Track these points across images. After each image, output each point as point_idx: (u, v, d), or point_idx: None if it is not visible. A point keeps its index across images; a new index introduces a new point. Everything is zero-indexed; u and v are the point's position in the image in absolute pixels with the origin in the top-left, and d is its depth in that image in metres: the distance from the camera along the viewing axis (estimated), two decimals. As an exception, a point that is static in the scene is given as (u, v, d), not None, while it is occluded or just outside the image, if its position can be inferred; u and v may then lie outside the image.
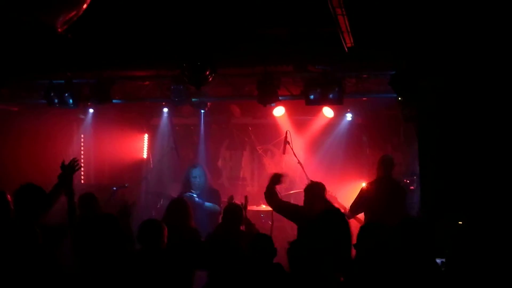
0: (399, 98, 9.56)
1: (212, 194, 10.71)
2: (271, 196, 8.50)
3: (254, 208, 11.44)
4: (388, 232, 6.08)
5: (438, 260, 6.77)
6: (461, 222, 8.57)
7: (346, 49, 7.91)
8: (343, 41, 7.60)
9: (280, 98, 10.16)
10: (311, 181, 8.99)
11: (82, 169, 13.60)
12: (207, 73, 9.00)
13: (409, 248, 5.59)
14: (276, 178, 8.58)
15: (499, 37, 7.99)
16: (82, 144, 13.84)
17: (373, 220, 9.01)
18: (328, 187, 10.71)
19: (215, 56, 9.00)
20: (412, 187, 11.43)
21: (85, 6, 5.23)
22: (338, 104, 10.13)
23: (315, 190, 8.36)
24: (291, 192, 11.25)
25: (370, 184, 10.21)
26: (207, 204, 10.30)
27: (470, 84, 8.61)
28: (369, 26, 7.89)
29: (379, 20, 7.85)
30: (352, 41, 7.72)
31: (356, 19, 7.14)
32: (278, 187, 10.57)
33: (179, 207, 8.11)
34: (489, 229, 7.84)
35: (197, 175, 10.62)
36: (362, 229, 6.27)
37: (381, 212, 9.47)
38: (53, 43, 8.26)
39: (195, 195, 10.23)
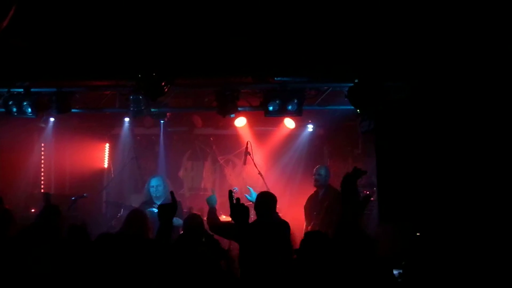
0: (358, 110, 9.66)
1: None
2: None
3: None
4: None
5: (396, 272, 6.86)
6: (418, 234, 8.68)
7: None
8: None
9: (239, 109, 10.17)
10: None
11: (42, 178, 13.50)
12: (163, 84, 8.96)
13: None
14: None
15: (452, 51, 8.14)
16: (42, 153, 13.62)
17: (312, 229, 9.17)
18: (289, 198, 10.88)
19: (172, 67, 8.97)
20: (372, 199, 11.49)
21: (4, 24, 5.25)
22: (297, 115, 10.19)
23: (267, 200, 8.01)
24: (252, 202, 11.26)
25: (310, 195, 10.44)
26: None
27: (426, 96, 8.76)
28: (327, 39, 7.98)
29: (337, 33, 7.95)
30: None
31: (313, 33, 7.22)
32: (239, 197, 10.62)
33: (137, 218, 8.03)
34: (446, 240, 7.95)
35: (155, 184, 10.49)
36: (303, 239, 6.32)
37: (319, 221, 9.68)
38: (12, 52, 8.23)
39: (155, 210, 10.14)
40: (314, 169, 10.59)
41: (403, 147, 8.86)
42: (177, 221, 9.99)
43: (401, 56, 8.47)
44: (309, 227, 10.10)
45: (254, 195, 9.12)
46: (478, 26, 7.58)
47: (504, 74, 7.91)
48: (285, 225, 7.52)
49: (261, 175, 11.03)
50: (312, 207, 10.37)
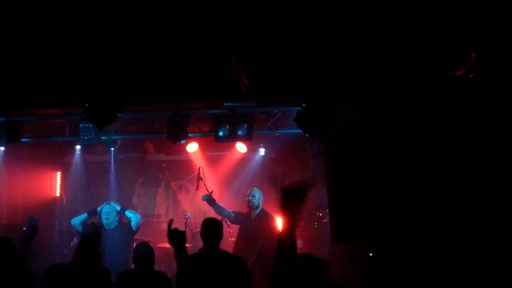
0: (307, 134, 9.79)
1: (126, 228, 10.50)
2: None
3: (168, 245, 11.35)
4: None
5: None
6: (371, 254, 8.78)
7: (244, 89, 8.04)
8: (239, 82, 7.73)
9: (189, 135, 10.24)
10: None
11: (-5, 208, 13.34)
12: (111, 112, 8.95)
13: None
14: None
15: (402, 74, 8.30)
16: (-6, 183, 13.49)
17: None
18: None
19: (119, 95, 8.97)
20: (325, 220, 11.61)
21: None
22: (247, 140, 10.28)
23: (208, 228, 7.42)
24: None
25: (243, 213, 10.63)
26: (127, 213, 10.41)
27: (375, 119, 8.90)
28: (274, 63, 8.06)
29: (284, 57, 8.03)
30: (247, 81, 7.87)
31: (253, 58, 7.29)
32: (191, 224, 10.67)
33: (88, 246, 7.92)
34: (399, 260, 8.04)
35: (107, 211, 10.35)
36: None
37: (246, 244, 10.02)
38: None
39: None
40: (248, 191, 10.65)
41: (353, 169, 8.95)
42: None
43: (349, 80, 8.59)
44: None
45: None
46: (427, 47, 7.72)
47: (452, 97, 8.09)
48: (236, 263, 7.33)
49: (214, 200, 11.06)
50: (243, 225, 10.51)
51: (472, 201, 7.19)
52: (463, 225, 7.66)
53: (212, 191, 10.77)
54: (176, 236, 4.92)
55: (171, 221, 4.82)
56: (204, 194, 11.02)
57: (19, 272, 6.95)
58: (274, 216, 10.39)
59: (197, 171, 11.11)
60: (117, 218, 10.43)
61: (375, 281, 7.85)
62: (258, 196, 10.47)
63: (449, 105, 8.00)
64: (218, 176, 12.91)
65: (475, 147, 7.20)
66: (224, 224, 10.96)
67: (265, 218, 10.26)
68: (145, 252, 7.53)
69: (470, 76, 7.37)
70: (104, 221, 10.23)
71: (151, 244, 7.90)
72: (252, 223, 10.38)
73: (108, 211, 10.34)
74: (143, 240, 9.49)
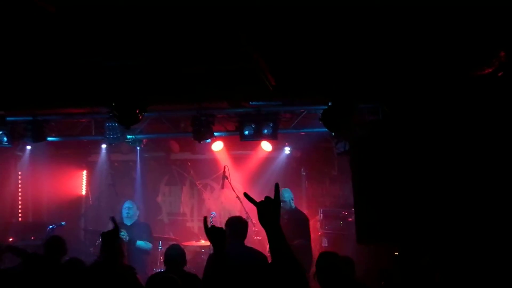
0: (333, 133, 9.76)
1: (142, 228, 11.02)
2: None
3: (194, 243, 11.41)
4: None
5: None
6: (397, 253, 8.73)
7: (271, 88, 8.03)
8: (266, 81, 7.71)
9: (215, 134, 10.22)
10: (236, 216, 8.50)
11: (20, 206, 13.40)
12: (136, 112, 8.97)
13: None
14: None
15: (427, 73, 8.24)
16: (19, 181, 13.53)
17: None
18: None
19: (144, 95, 8.99)
20: (350, 219, 11.55)
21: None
22: (273, 139, 10.24)
23: (234, 227, 7.43)
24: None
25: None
26: (139, 242, 10.49)
27: (400, 117, 8.85)
28: (295, 64, 8.04)
29: (310, 56, 8.00)
30: (274, 80, 7.85)
31: (279, 58, 7.27)
32: (216, 222, 10.65)
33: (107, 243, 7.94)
34: (423, 258, 8.00)
35: (127, 206, 11.13)
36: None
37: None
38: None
39: (124, 235, 10.21)
40: None
41: (378, 168, 8.92)
42: (146, 244, 10.24)
43: (375, 78, 8.54)
44: None
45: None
46: (454, 44, 7.65)
47: (474, 97, 8.03)
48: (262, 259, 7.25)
49: (239, 199, 10.99)
50: None
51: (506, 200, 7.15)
52: (494, 223, 7.62)
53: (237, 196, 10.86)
54: (215, 233, 4.89)
55: (205, 219, 4.76)
56: (230, 193, 11.12)
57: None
58: (308, 218, 10.35)
59: (223, 170, 11.12)
60: (137, 214, 11.04)
61: (400, 281, 7.78)
62: (287, 198, 10.31)
63: (477, 104, 7.94)
64: (243, 175, 12.86)
65: (505, 145, 7.15)
66: (249, 222, 11.01)
67: (297, 222, 10.10)
68: (176, 254, 7.61)
69: (499, 75, 7.30)
70: (125, 215, 10.95)
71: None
72: (285, 225, 10.24)
73: (129, 206, 11.07)
74: (172, 240, 9.61)
